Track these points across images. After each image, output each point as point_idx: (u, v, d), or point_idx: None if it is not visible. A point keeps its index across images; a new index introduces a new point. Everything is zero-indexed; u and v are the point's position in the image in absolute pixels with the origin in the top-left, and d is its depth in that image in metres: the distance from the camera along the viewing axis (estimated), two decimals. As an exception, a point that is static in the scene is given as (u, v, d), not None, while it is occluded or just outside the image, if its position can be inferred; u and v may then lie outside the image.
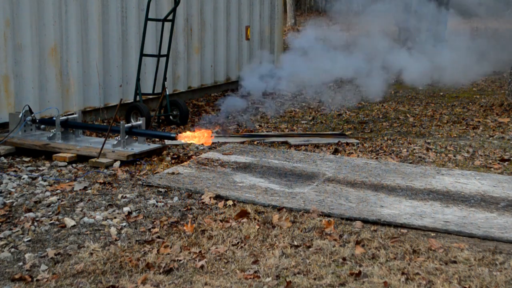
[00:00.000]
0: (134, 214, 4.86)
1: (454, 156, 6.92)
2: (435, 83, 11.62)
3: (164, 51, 8.36)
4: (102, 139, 6.60)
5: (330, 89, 9.98)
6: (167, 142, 7.06)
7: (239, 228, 4.53)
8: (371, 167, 6.24)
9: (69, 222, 4.64)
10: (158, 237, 4.39)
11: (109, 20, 8.48)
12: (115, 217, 4.77)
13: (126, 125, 6.54)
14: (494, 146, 7.42)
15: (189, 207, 5.02)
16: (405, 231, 4.53)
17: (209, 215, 4.83)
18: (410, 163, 6.59)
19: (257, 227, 4.54)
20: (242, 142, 7.39)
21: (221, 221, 4.69)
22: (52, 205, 5.03)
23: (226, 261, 4.00)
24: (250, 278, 3.76)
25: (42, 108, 7.43)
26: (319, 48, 8.00)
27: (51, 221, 4.67)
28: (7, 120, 6.99)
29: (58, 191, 5.38)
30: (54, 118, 6.78)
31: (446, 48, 8.39)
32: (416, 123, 8.96)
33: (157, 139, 7.23)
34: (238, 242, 4.28)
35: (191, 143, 6.98)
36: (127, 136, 6.49)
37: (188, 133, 6.54)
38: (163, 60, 8.46)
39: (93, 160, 6.19)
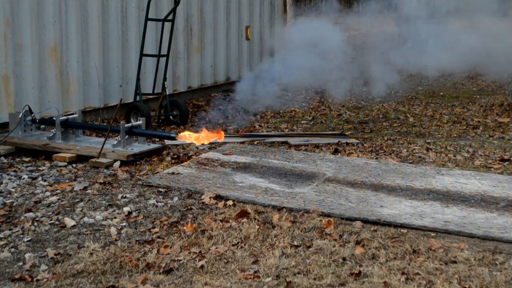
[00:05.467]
0: (134, 214, 4.86)
1: (454, 156, 6.92)
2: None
3: (164, 51, 8.36)
4: (102, 139, 6.60)
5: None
6: (167, 142, 7.06)
7: (239, 228, 4.53)
8: (371, 167, 6.24)
9: (69, 222, 4.64)
10: (158, 237, 4.39)
11: (109, 20, 8.48)
12: (115, 217, 4.77)
13: (126, 125, 6.54)
14: (494, 146, 7.42)
15: (189, 207, 5.02)
16: (405, 231, 4.53)
17: (209, 215, 4.83)
18: (410, 163, 6.59)
19: (257, 227, 4.54)
20: (242, 142, 7.39)
21: (221, 221, 4.69)
22: (52, 205, 5.03)
23: (226, 261, 4.00)
24: (250, 278, 3.76)
25: (42, 108, 7.44)
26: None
27: (51, 221, 4.67)
28: (7, 120, 6.99)
29: (58, 191, 5.38)
30: (54, 118, 6.78)
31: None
32: (416, 123, 8.96)
33: (157, 139, 7.23)
34: (238, 242, 4.28)
35: (190, 144, 6.98)
36: (127, 136, 6.48)
37: (195, 134, 6.50)
38: (163, 60, 8.46)
39: (93, 160, 6.18)
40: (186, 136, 6.43)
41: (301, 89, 10.80)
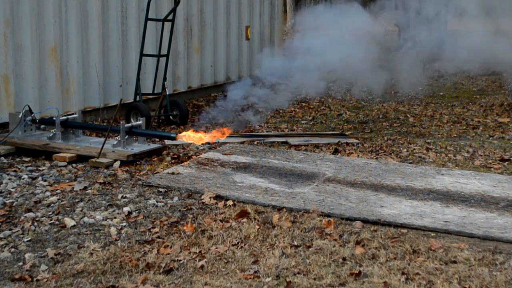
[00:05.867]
0: (134, 214, 4.86)
1: (454, 156, 6.92)
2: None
3: (164, 51, 8.36)
4: (102, 139, 6.60)
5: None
6: (167, 142, 7.06)
7: (239, 228, 4.53)
8: (371, 167, 6.24)
9: (69, 222, 4.64)
10: (158, 237, 4.39)
11: (109, 20, 8.48)
12: (115, 217, 4.77)
13: (126, 125, 6.54)
14: (494, 146, 7.42)
15: (189, 207, 5.02)
16: (405, 231, 4.53)
17: (209, 215, 4.83)
18: (410, 163, 6.59)
19: (257, 227, 4.54)
20: (242, 142, 7.39)
21: (221, 221, 4.69)
22: (52, 205, 5.03)
23: (226, 261, 4.00)
24: (250, 278, 3.76)
25: (42, 108, 7.44)
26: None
27: (51, 221, 4.67)
28: (7, 120, 6.99)
29: (58, 191, 5.38)
30: (54, 118, 6.78)
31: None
32: (416, 123, 8.96)
33: (157, 139, 7.23)
34: (238, 242, 4.28)
35: (191, 144, 6.98)
36: (127, 136, 6.48)
37: (195, 134, 6.49)
38: (163, 60, 8.46)
39: (93, 160, 6.18)
40: (186, 136, 6.43)
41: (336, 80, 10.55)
